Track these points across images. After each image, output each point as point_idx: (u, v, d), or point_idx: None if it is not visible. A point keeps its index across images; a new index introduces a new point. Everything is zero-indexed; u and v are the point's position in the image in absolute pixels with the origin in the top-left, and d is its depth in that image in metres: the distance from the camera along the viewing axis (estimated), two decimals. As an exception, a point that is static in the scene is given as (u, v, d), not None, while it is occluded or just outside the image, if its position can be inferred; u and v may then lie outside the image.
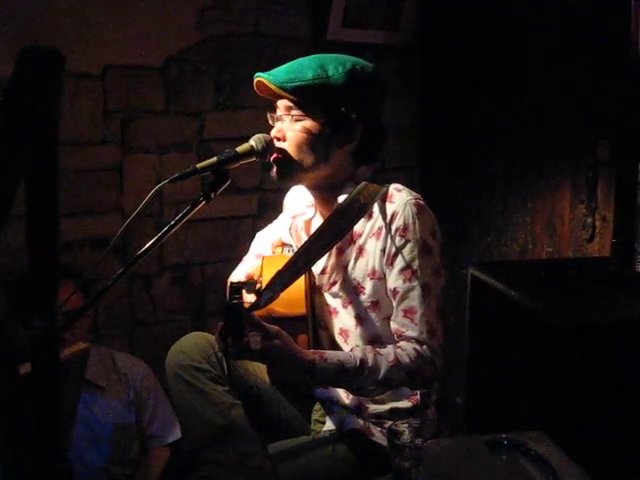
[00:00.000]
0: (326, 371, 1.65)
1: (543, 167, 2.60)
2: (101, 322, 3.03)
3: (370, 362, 1.67)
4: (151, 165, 3.02)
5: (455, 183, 3.25)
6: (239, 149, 1.77)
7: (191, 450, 1.80)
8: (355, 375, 1.67)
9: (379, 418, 1.86)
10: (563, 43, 2.45)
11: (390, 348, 1.73)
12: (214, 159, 1.72)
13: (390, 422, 1.80)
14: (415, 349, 1.71)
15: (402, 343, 1.74)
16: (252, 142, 1.79)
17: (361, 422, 1.85)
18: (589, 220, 2.32)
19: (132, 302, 3.10)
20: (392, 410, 1.85)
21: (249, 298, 1.74)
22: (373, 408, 1.86)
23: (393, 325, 1.79)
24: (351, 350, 1.74)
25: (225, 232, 3.19)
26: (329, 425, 1.90)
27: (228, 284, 1.66)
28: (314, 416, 1.97)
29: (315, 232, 1.82)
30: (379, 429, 1.84)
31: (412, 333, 1.74)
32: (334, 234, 1.79)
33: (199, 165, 1.71)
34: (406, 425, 1.45)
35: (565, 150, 2.46)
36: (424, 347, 1.72)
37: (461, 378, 2.43)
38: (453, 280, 3.21)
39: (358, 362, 1.67)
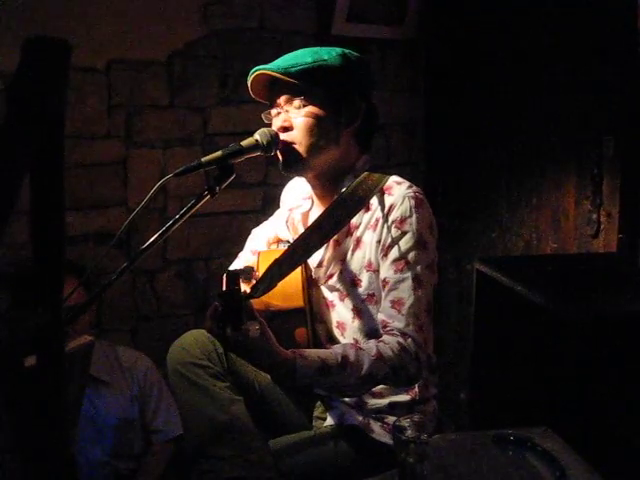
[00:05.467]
0: (307, 370, 1.62)
1: (548, 163, 2.59)
2: (105, 317, 3.03)
3: (352, 358, 1.65)
4: (155, 159, 3.02)
5: (459, 179, 3.25)
6: (244, 143, 1.77)
7: (193, 445, 1.80)
8: (338, 372, 1.64)
9: (379, 413, 1.85)
10: (567, 38, 2.44)
11: (372, 343, 1.70)
12: (219, 153, 1.72)
13: (390, 417, 1.81)
14: (399, 342, 1.68)
15: (385, 337, 1.71)
16: (257, 136, 1.79)
17: (361, 418, 1.84)
18: (594, 216, 2.31)
19: (136, 297, 3.09)
20: (391, 404, 1.85)
21: (244, 287, 1.72)
22: (372, 403, 1.85)
23: (380, 316, 1.77)
24: (332, 348, 1.72)
25: (229, 227, 3.19)
26: (329, 421, 1.89)
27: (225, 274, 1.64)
28: (315, 413, 1.96)
29: (314, 223, 1.82)
30: (379, 424, 1.83)
31: (398, 324, 1.71)
32: (333, 225, 1.79)
33: (204, 159, 1.70)
34: (408, 421, 1.45)
35: (570, 146, 2.45)
36: (408, 340, 1.69)
37: (466, 373, 2.43)
38: (458, 275, 3.21)
39: (340, 358, 1.64)
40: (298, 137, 1.81)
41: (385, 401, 1.85)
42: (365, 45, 3.23)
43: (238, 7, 3.07)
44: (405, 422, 1.44)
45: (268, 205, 3.12)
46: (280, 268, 1.70)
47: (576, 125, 2.41)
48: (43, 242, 0.87)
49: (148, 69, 2.96)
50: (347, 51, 1.86)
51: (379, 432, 1.82)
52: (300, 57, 1.81)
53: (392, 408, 1.84)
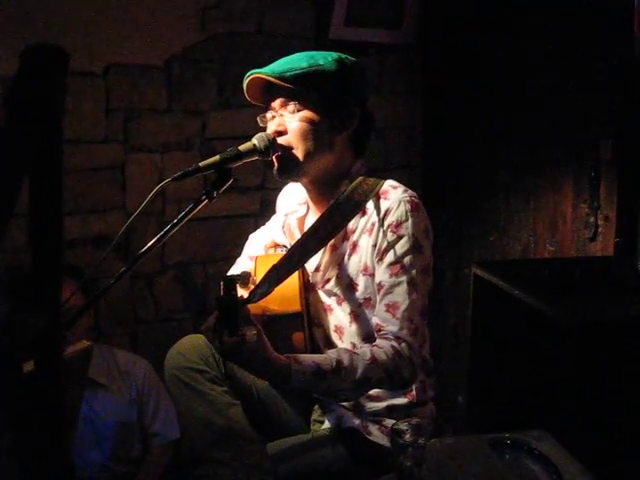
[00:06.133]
0: (302, 374, 1.62)
1: (546, 166, 2.59)
2: (103, 321, 3.03)
3: (346, 362, 1.65)
4: (153, 164, 3.02)
5: (457, 182, 3.25)
6: (241, 147, 1.77)
7: (191, 449, 1.80)
8: (332, 376, 1.64)
9: (377, 416, 1.85)
10: (565, 41, 2.45)
11: (366, 347, 1.71)
12: (217, 157, 1.72)
13: (388, 419, 1.81)
14: (393, 346, 1.69)
15: (379, 341, 1.72)
16: (254, 141, 1.79)
17: (358, 421, 1.85)
18: (591, 219, 2.32)
19: (134, 301, 3.09)
20: (389, 407, 1.85)
21: (242, 292, 1.73)
22: (370, 406, 1.86)
23: (374, 320, 1.78)
24: (326, 352, 1.73)
25: (227, 231, 3.18)
26: (327, 424, 1.89)
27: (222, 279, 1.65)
28: (313, 416, 1.96)
29: (311, 227, 1.82)
30: (377, 427, 1.84)
31: (392, 328, 1.72)
32: (330, 230, 1.80)
33: (202, 163, 1.71)
34: (406, 424, 1.45)
35: (568, 149, 2.45)
36: (402, 345, 1.70)
37: (464, 377, 2.43)
38: (456, 279, 3.21)
39: (334, 363, 1.65)
40: (293, 142, 1.81)
41: (383, 404, 1.85)
42: (363, 49, 3.24)
43: (236, 11, 3.08)
44: (403, 425, 1.44)
45: (266, 209, 3.11)
46: (277, 273, 1.70)
47: (574, 128, 2.42)
48: (42, 246, 0.87)
49: (146, 73, 2.96)
50: (343, 56, 1.86)
51: (377, 435, 1.83)
52: (296, 62, 1.81)
53: (390, 411, 1.85)
